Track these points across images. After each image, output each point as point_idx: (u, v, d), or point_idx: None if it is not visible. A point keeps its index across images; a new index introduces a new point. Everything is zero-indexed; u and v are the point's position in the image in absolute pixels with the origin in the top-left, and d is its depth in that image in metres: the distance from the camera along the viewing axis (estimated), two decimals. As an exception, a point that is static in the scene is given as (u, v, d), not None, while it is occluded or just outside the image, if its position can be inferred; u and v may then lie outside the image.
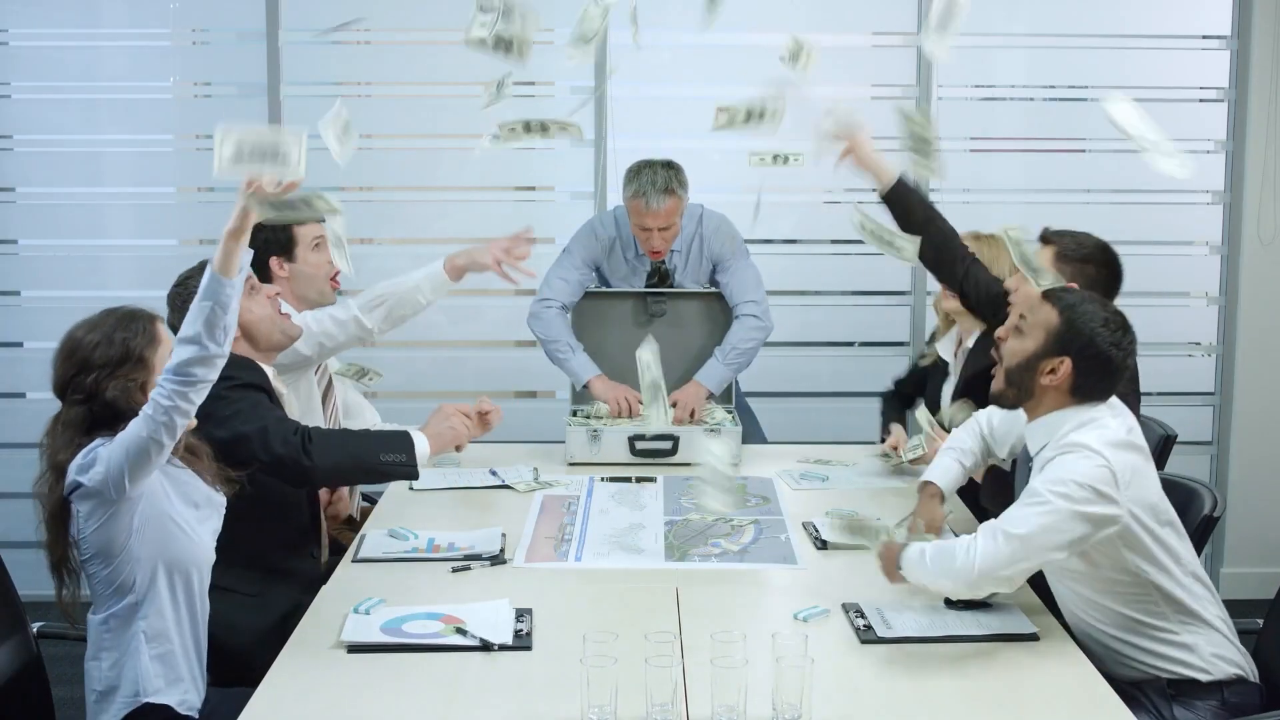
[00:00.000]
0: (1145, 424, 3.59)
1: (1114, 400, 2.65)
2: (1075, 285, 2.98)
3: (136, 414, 2.43)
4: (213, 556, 2.62)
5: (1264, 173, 5.04)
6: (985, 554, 2.47)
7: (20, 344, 5.22)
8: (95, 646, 2.55)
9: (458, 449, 3.16)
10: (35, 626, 2.81)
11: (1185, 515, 3.12)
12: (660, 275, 4.29)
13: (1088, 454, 2.48)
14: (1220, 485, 5.03)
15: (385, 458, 2.94)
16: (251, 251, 2.48)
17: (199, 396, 2.39)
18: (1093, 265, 3.16)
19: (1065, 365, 2.57)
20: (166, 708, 2.49)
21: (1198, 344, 5.28)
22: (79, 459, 2.46)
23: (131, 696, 2.50)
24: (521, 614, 2.63)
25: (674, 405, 3.89)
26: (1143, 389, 3.17)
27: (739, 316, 4.15)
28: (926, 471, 3.12)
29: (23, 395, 5.25)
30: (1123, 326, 2.60)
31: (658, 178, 4.10)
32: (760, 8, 4.95)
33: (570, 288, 4.23)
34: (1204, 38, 5.13)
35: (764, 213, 4.77)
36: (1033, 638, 2.54)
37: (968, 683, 2.35)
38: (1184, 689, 2.55)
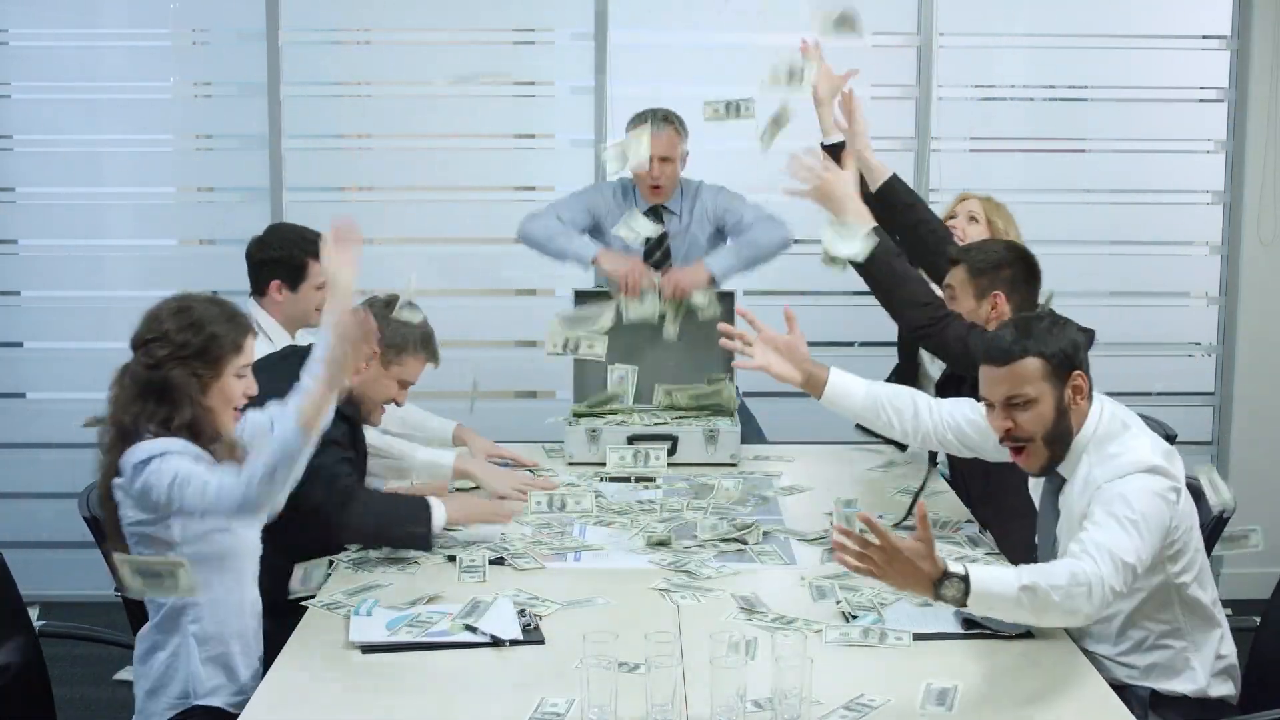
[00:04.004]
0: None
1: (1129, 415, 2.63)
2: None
3: (188, 401, 2.44)
4: (259, 547, 2.63)
5: (1264, 173, 5.04)
6: (1108, 582, 2.30)
7: (20, 344, 5.22)
8: (146, 646, 2.55)
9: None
10: (37, 626, 2.81)
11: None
12: (661, 236, 4.32)
13: (1150, 474, 2.44)
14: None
15: (412, 529, 2.96)
16: None
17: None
18: (1007, 268, 3.21)
19: (1081, 379, 2.54)
20: (218, 710, 2.49)
21: (1198, 344, 5.28)
22: (137, 457, 2.42)
23: (180, 698, 2.50)
24: (521, 610, 2.63)
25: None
26: (1143, 389, 3.20)
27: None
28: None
29: (22, 395, 5.25)
30: (1056, 317, 2.61)
31: (658, 111, 4.25)
32: (761, 7, 4.95)
33: (565, 223, 4.32)
34: (1204, 38, 5.13)
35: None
36: (1028, 634, 2.54)
37: (966, 682, 2.35)
38: (1166, 700, 2.55)
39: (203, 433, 2.49)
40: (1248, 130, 5.03)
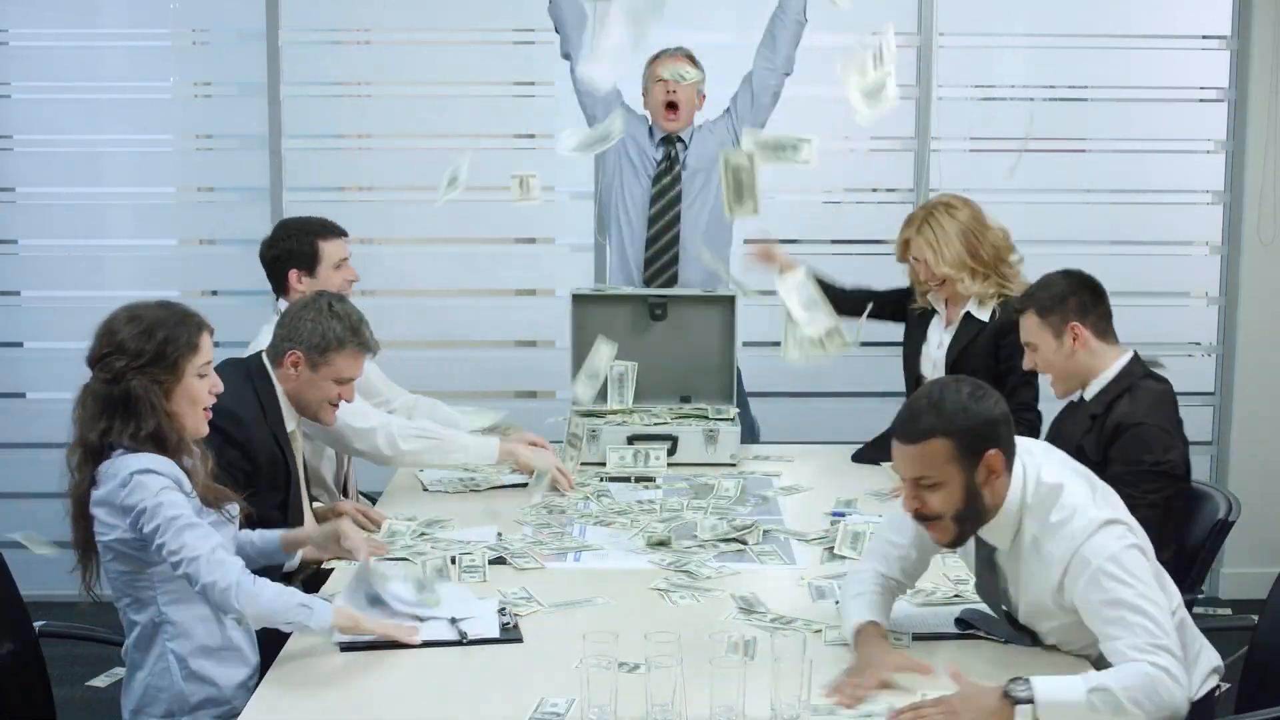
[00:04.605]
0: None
1: (1026, 447, 2.46)
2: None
3: (151, 410, 2.42)
4: (239, 560, 2.61)
5: (1264, 173, 5.04)
6: (1178, 670, 2.20)
7: (20, 344, 5.22)
8: (128, 665, 2.53)
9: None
10: (37, 626, 2.81)
11: (1198, 519, 3.14)
12: (670, 161, 4.37)
13: (1106, 527, 2.31)
14: (1219, 485, 5.02)
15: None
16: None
17: None
18: (1073, 298, 3.18)
19: (995, 457, 2.33)
20: None
21: (1198, 344, 5.28)
22: (123, 470, 2.41)
23: (165, 717, 2.48)
24: (502, 609, 2.63)
25: None
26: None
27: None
28: (844, 626, 2.50)
29: (23, 395, 5.25)
30: (974, 386, 2.37)
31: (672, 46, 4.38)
32: (760, 7, 4.95)
33: None
34: (1204, 38, 5.13)
35: (764, 212, 4.78)
36: (1017, 642, 2.53)
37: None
38: None
39: (168, 441, 2.46)
40: (1248, 130, 5.03)
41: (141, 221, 5.21)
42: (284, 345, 3.09)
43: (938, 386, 2.39)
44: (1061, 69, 5.17)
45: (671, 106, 4.31)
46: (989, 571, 2.50)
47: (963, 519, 2.36)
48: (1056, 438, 3.09)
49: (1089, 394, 3.22)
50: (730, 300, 4.06)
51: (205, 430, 2.57)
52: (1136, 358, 3.25)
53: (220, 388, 2.60)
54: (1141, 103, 5.14)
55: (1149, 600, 2.25)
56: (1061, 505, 2.35)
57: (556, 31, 4.40)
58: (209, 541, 2.38)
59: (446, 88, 5.07)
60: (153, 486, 2.39)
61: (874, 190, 5.22)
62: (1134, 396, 3.16)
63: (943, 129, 5.02)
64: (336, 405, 3.15)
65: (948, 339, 3.77)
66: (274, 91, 4.99)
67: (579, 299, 4.08)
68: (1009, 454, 2.37)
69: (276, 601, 2.39)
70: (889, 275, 4.86)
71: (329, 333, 3.06)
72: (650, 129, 4.43)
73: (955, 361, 3.70)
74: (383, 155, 5.19)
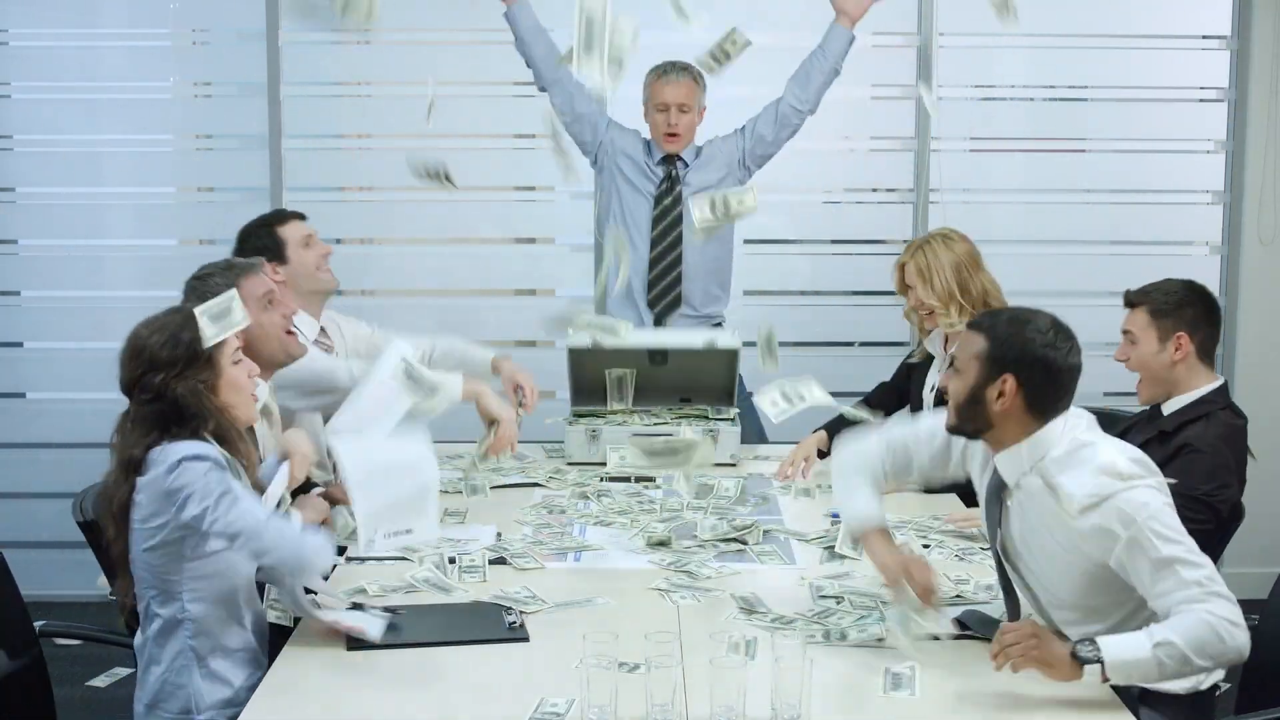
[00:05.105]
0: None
1: (1076, 414, 2.51)
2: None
3: (204, 409, 2.44)
4: (253, 570, 2.59)
5: (1264, 173, 5.04)
6: (1235, 613, 2.25)
7: (20, 344, 5.22)
8: (144, 660, 2.53)
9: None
10: (37, 626, 2.81)
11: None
12: (671, 180, 4.37)
13: (1138, 487, 2.35)
14: (1220, 485, 5.01)
15: None
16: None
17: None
18: (1190, 309, 3.19)
19: (1009, 383, 2.42)
20: None
21: (1198, 344, 5.28)
22: (160, 468, 2.40)
23: (180, 714, 2.48)
24: (508, 608, 2.64)
25: None
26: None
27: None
28: (852, 514, 2.67)
29: (23, 395, 5.25)
30: (1055, 327, 2.46)
31: (677, 63, 4.33)
32: (759, 8, 4.95)
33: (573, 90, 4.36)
34: (1204, 38, 5.13)
35: (764, 212, 4.78)
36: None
37: (967, 681, 2.35)
38: (1153, 695, 2.54)
39: (228, 436, 2.49)
40: (1248, 130, 5.03)
41: (141, 221, 5.21)
42: None
43: (1034, 311, 2.49)
44: (1061, 69, 5.17)
45: (672, 135, 4.33)
46: (994, 504, 2.55)
47: (961, 413, 2.49)
48: (1120, 436, 3.07)
49: (1167, 409, 3.22)
50: (733, 354, 3.94)
51: (257, 416, 2.59)
52: (1224, 388, 3.24)
53: (258, 371, 2.62)
54: (1141, 103, 5.14)
55: (1196, 553, 2.30)
56: (1094, 460, 2.39)
57: (528, 67, 4.39)
58: (264, 510, 2.42)
59: (446, 88, 5.06)
60: (200, 469, 2.39)
61: (874, 190, 5.22)
62: (1209, 424, 3.15)
63: (943, 129, 5.02)
64: (292, 331, 3.14)
65: (937, 381, 3.73)
66: (274, 91, 4.99)
67: (575, 353, 3.97)
68: (1038, 399, 2.43)
69: (328, 553, 2.50)
70: (888, 275, 4.88)
71: (220, 288, 2.91)
72: (649, 145, 4.43)
73: (937, 403, 3.66)
74: (383, 155, 5.18)
